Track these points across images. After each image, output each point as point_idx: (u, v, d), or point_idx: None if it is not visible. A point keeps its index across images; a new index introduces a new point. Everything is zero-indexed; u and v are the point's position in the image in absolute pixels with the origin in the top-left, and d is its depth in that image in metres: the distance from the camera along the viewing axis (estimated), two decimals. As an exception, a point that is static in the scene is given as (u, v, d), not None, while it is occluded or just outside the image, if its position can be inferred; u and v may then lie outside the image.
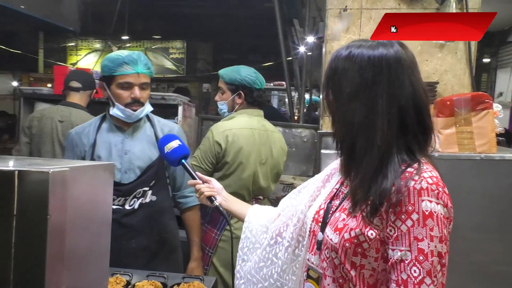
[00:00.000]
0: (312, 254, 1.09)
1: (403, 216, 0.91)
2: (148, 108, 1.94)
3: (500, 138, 2.11)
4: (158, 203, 1.94)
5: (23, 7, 5.88)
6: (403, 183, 0.93)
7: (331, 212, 1.07)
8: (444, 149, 1.90)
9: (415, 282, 0.89)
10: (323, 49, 3.03)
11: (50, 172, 0.72)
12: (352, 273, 0.97)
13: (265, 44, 9.26)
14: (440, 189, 0.92)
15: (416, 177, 0.93)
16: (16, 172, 0.71)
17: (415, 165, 0.96)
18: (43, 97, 3.44)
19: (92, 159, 1.90)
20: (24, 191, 0.72)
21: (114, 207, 1.86)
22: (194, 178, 1.57)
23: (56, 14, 6.51)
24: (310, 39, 5.70)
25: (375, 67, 0.98)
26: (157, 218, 1.95)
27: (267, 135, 2.34)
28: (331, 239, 1.01)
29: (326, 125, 2.91)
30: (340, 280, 1.00)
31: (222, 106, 2.35)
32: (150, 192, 1.91)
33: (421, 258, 0.89)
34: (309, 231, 1.11)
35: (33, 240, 0.72)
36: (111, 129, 1.95)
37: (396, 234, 0.92)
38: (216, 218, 2.24)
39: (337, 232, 1.00)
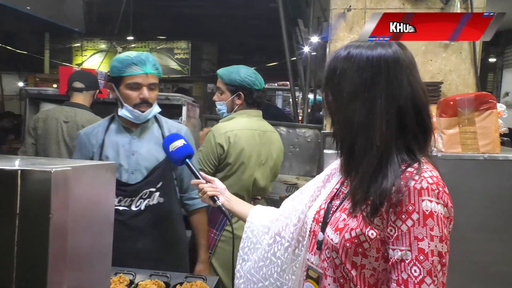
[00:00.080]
0: (312, 254, 1.09)
1: (403, 216, 0.91)
2: (156, 109, 1.94)
3: (504, 138, 2.10)
4: (166, 206, 1.93)
5: (28, 8, 5.92)
6: (403, 183, 0.93)
7: (331, 212, 1.07)
8: (447, 149, 1.89)
9: (416, 282, 0.89)
10: (327, 49, 3.03)
11: (52, 172, 0.73)
12: (353, 273, 0.97)
13: (270, 44, 9.28)
14: (440, 188, 0.92)
15: (417, 177, 0.93)
16: (19, 171, 0.72)
17: (415, 165, 0.96)
18: (49, 97, 3.45)
19: (100, 159, 1.90)
20: (26, 190, 0.72)
21: (121, 208, 1.86)
22: (197, 178, 1.58)
23: (62, 15, 6.54)
24: (315, 39, 5.69)
25: (373, 67, 0.98)
26: (164, 221, 1.94)
27: (267, 136, 2.34)
28: (331, 239, 1.01)
29: (329, 125, 2.89)
30: (341, 280, 1.00)
31: (221, 107, 2.34)
32: (157, 194, 1.90)
33: (421, 257, 0.89)
34: (309, 231, 1.11)
35: (35, 239, 0.73)
36: (119, 129, 1.96)
37: (397, 234, 0.92)
38: (215, 219, 2.22)
39: (338, 232, 1.00)
